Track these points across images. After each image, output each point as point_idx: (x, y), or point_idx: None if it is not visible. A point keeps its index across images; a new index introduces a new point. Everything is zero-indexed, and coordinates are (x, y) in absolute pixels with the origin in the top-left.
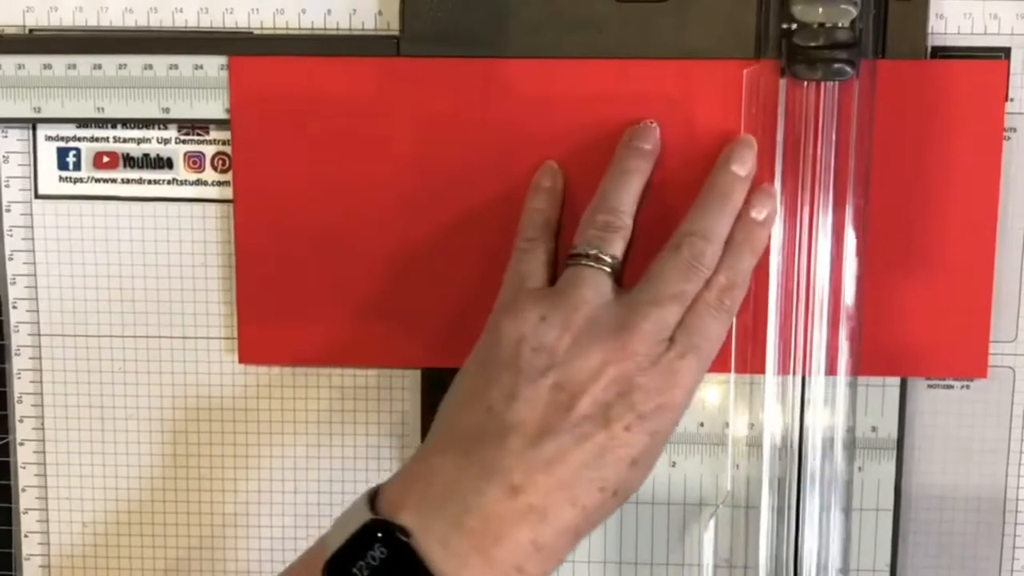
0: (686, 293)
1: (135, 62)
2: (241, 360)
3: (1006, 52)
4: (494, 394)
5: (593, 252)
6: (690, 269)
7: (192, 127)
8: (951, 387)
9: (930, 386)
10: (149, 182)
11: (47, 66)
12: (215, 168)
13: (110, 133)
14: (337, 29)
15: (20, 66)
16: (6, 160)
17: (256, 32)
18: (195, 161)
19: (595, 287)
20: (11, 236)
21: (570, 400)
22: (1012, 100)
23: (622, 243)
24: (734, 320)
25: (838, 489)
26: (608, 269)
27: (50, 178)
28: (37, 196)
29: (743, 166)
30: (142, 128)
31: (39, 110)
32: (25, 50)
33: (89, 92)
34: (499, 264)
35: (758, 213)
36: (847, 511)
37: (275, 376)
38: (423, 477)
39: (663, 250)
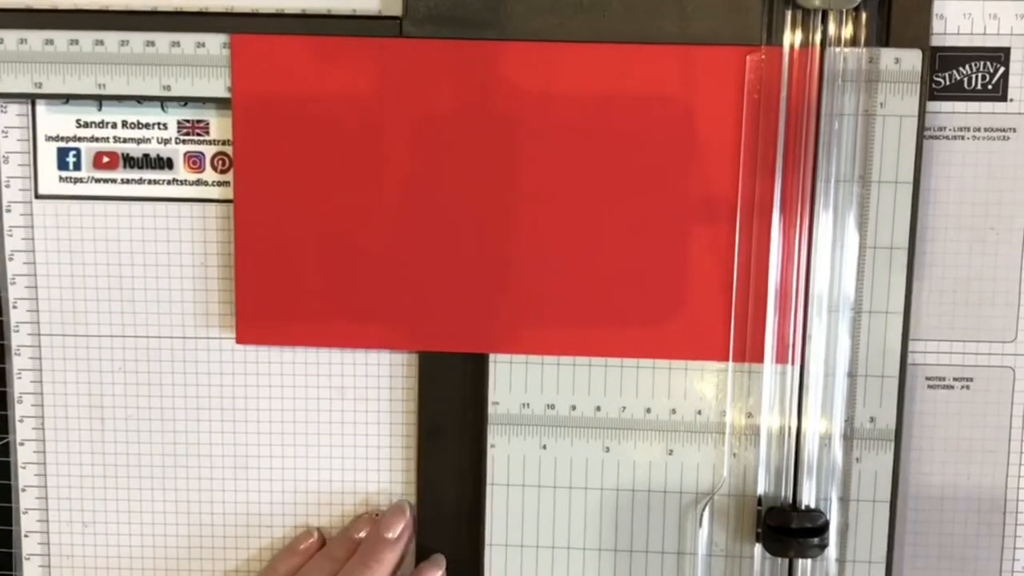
0: None
1: (137, 39)
2: (239, 340)
3: (1006, 52)
4: None
5: None
6: None
7: (192, 127)
8: (951, 387)
9: (930, 386)
10: (149, 182)
11: (49, 41)
12: (215, 168)
13: (110, 133)
14: (340, 9)
15: (22, 41)
16: (6, 160)
17: (259, 11)
18: (195, 161)
19: None
20: (11, 236)
21: None
22: (1012, 100)
23: None
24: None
25: (835, 479)
26: None
27: (50, 178)
28: (37, 196)
29: (393, 530)
30: (142, 128)
31: (40, 85)
32: (27, 25)
33: (90, 68)
34: (497, 248)
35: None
36: (844, 501)
37: (275, 377)
38: None
39: None
